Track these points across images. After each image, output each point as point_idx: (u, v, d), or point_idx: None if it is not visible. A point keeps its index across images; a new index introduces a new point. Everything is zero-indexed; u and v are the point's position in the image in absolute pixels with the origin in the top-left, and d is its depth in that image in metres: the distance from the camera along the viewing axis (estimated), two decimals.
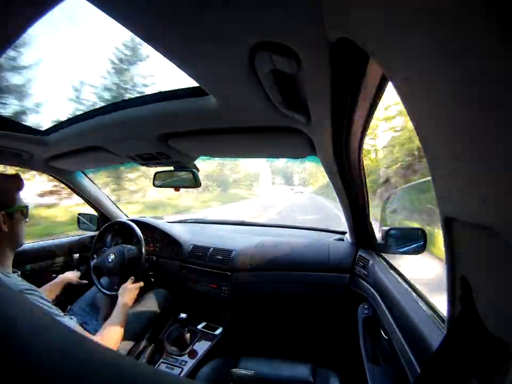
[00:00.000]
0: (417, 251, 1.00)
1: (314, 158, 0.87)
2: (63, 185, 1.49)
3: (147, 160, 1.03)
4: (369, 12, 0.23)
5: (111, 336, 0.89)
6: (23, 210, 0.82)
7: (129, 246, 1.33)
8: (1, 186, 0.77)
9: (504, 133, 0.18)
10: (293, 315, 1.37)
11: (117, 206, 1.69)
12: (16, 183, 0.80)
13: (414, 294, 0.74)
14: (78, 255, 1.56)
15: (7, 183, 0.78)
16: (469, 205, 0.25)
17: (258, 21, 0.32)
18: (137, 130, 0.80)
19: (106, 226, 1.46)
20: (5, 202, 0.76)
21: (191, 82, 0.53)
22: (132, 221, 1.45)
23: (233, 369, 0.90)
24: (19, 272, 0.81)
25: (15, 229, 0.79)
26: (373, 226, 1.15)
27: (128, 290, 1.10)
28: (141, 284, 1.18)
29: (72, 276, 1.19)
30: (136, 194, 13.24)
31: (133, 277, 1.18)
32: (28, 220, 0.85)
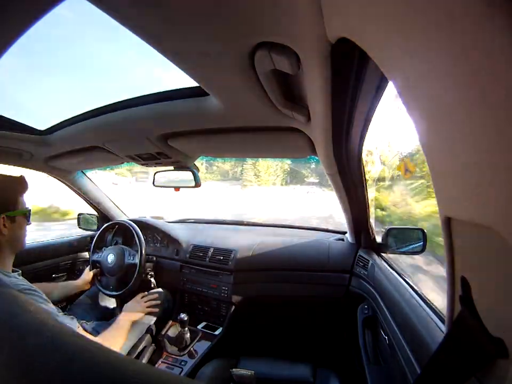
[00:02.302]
0: (417, 251, 1.00)
1: (314, 158, 0.87)
2: None
3: (147, 160, 1.03)
4: (369, 12, 0.23)
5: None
6: (26, 214, 0.82)
7: (129, 249, 1.34)
8: (4, 189, 0.77)
9: (504, 132, 0.18)
10: (292, 315, 1.37)
11: (117, 206, 1.69)
12: (20, 185, 0.80)
13: (414, 294, 0.74)
14: (78, 255, 1.56)
15: (10, 186, 0.78)
16: (469, 205, 0.25)
17: (258, 21, 0.32)
18: (137, 130, 0.80)
19: (107, 226, 1.47)
20: (7, 205, 0.76)
21: (191, 82, 0.53)
22: (132, 221, 1.45)
23: (233, 369, 0.90)
24: (20, 272, 0.81)
25: (16, 232, 0.78)
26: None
27: (135, 307, 1.12)
28: (150, 307, 1.19)
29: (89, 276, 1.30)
30: None
31: (143, 293, 1.22)
32: (30, 222, 0.85)
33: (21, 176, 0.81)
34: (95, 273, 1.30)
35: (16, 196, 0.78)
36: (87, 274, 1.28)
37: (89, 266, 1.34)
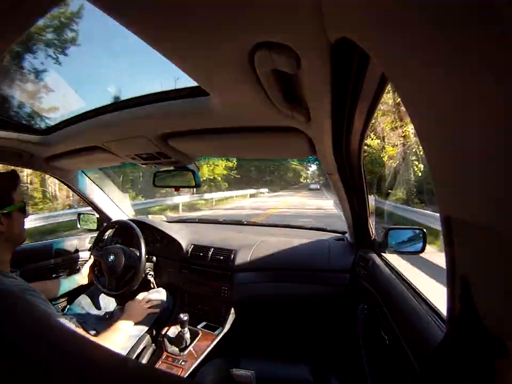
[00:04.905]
0: (417, 251, 1.00)
1: (314, 158, 0.87)
2: None
3: (147, 160, 1.03)
4: (369, 12, 0.23)
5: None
6: (21, 208, 0.81)
7: (130, 250, 1.34)
8: None
9: (504, 132, 0.18)
10: (293, 315, 1.37)
11: (117, 206, 1.69)
12: (12, 181, 0.79)
13: (414, 294, 0.74)
14: (78, 254, 1.57)
15: (2, 182, 0.77)
16: (469, 204, 0.25)
17: (258, 21, 0.32)
18: (137, 130, 0.80)
19: (107, 226, 1.47)
20: (0, 202, 0.75)
21: (191, 82, 0.53)
22: (132, 221, 1.45)
23: (233, 369, 0.90)
24: (18, 272, 0.81)
25: (13, 228, 0.78)
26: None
27: (136, 308, 1.11)
28: (150, 307, 1.18)
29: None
30: None
31: (143, 293, 1.20)
32: (27, 215, 0.85)
33: (12, 170, 0.81)
34: (91, 266, 1.31)
35: (9, 191, 0.78)
36: (86, 268, 1.29)
37: (88, 261, 1.35)
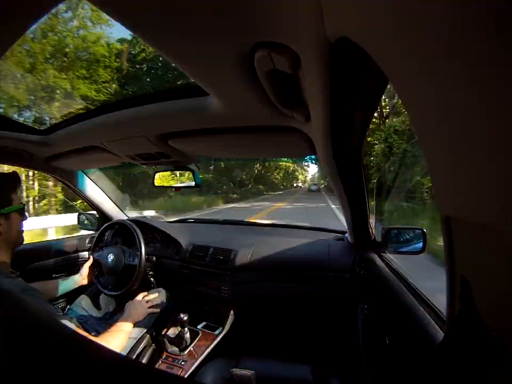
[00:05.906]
0: (417, 251, 1.00)
1: (314, 158, 0.87)
2: None
3: (147, 160, 1.03)
4: (369, 12, 0.23)
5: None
6: (20, 210, 0.81)
7: (129, 249, 1.34)
8: None
9: (504, 132, 0.18)
10: (292, 315, 1.37)
11: (117, 206, 1.69)
12: (12, 182, 0.79)
13: (414, 294, 0.74)
14: (78, 255, 1.57)
15: (2, 182, 0.77)
16: (469, 204, 0.25)
17: (258, 21, 0.32)
18: (137, 130, 0.80)
19: (107, 226, 1.47)
20: (0, 202, 0.75)
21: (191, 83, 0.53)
22: (132, 221, 1.45)
23: (233, 369, 0.90)
24: (18, 273, 0.81)
25: (12, 229, 0.78)
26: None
27: (136, 308, 1.10)
28: (151, 299, 1.19)
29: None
30: None
31: (143, 293, 1.20)
32: (26, 218, 0.85)
33: (13, 172, 0.81)
34: (90, 266, 1.30)
35: (9, 192, 0.78)
36: (86, 268, 1.29)
37: (88, 262, 1.34)
